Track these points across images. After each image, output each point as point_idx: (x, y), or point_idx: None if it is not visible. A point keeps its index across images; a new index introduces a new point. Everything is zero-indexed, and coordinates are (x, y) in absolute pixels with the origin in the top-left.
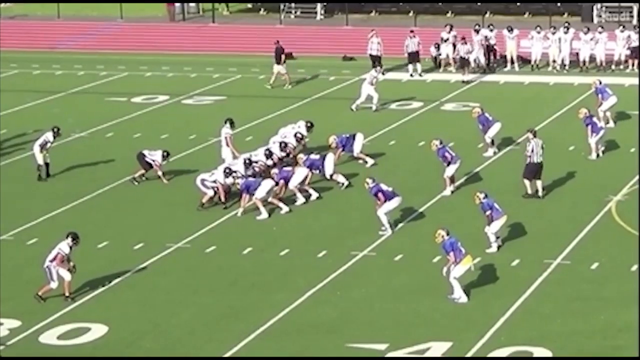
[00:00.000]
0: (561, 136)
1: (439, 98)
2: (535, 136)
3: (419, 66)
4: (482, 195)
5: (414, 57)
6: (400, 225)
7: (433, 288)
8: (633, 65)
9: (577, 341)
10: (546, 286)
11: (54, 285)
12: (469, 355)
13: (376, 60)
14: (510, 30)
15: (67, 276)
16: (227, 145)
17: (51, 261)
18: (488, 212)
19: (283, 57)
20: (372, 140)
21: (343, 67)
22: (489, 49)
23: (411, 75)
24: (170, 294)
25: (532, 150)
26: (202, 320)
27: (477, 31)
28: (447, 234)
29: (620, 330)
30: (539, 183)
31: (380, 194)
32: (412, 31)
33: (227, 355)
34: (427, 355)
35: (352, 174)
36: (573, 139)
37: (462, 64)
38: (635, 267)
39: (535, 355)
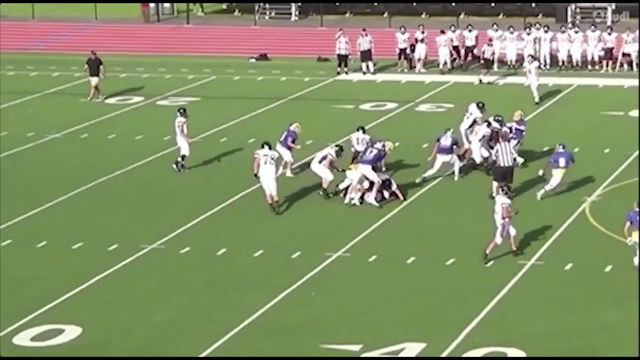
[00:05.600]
0: (535, 137)
1: (413, 99)
2: (503, 140)
3: (371, 64)
4: None
5: (366, 55)
6: (374, 226)
7: (407, 289)
8: (607, 66)
9: (551, 342)
10: (520, 287)
11: (499, 240)
12: (443, 356)
13: (343, 60)
14: (496, 29)
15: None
16: (181, 133)
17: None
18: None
19: (102, 68)
20: (347, 141)
21: (318, 68)
22: (467, 50)
23: (364, 73)
24: (145, 295)
25: (498, 153)
26: (177, 321)
27: (443, 32)
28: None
29: (595, 330)
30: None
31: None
32: (364, 29)
33: (201, 355)
34: (401, 355)
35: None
36: (547, 140)
37: (487, 65)
38: (609, 268)
39: (509, 356)
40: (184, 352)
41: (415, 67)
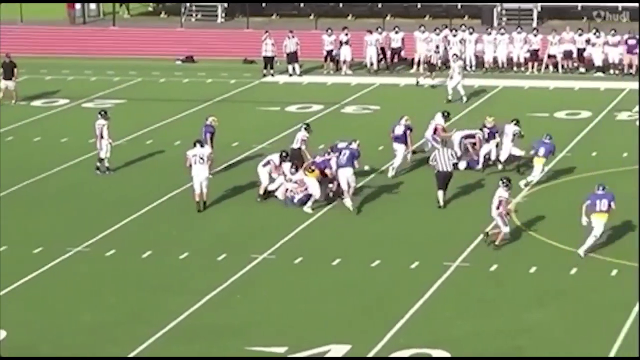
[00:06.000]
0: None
1: (339, 101)
2: (445, 145)
3: (297, 66)
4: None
5: (292, 57)
6: (299, 227)
7: (332, 290)
8: (533, 68)
9: (476, 342)
10: (445, 288)
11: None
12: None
13: (269, 62)
14: (423, 31)
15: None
16: (102, 136)
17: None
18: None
19: (15, 71)
20: (273, 143)
21: (244, 70)
22: (393, 52)
23: (290, 75)
24: (71, 297)
25: (436, 159)
26: (103, 323)
27: (370, 32)
28: None
29: (520, 331)
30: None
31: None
32: (291, 31)
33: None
34: (328, 356)
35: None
36: None
37: (431, 69)
38: (534, 269)
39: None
40: (111, 354)
41: (341, 69)
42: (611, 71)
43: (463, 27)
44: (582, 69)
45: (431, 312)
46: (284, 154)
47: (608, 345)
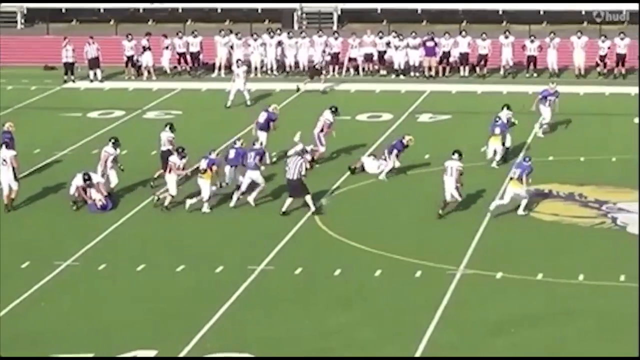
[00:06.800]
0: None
1: (141, 106)
2: (303, 154)
3: (99, 72)
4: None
5: (93, 63)
6: (104, 233)
7: (138, 296)
8: (333, 71)
9: (284, 345)
10: (250, 292)
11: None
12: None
13: (70, 69)
14: (224, 35)
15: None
16: None
17: None
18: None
19: None
20: (75, 150)
21: (44, 77)
22: (193, 56)
23: (91, 81)
24: None
25: (288, 166)
26: None
27: (165, 36)
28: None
29: (328, 333)
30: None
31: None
32: (91, 37)
33: None
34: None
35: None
36: (275, 146)
37: (314, 74)
38: (338, 271)
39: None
40: None
41: (142, 74)
42: (412, 74)
43: (270, 30)
44: (382, 72)
45: (237, 316)
46: (113, 140)
47: (414, 345)
